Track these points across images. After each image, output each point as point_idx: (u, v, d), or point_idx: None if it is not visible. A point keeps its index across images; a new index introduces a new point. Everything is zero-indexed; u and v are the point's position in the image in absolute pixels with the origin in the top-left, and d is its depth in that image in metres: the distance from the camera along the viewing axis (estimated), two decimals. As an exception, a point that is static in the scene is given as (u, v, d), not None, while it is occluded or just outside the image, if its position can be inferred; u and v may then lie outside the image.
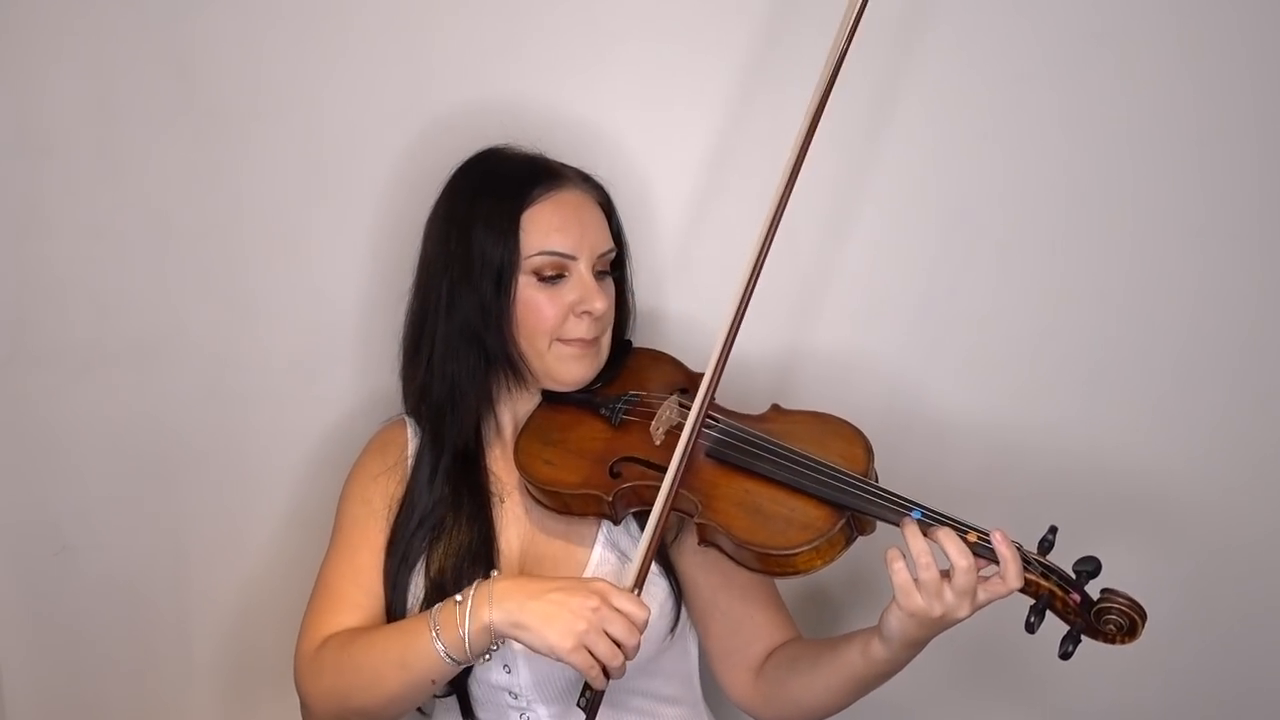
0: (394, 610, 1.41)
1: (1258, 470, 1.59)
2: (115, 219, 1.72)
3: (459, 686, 1.40)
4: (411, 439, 1.48)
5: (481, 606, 1.23)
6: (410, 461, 1.47)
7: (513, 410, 1.45)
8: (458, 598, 1.25)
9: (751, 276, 1.29)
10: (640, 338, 1.54)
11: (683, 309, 1.65)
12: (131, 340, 1.75)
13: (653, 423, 1.35)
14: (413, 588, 1.40)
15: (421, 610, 1.37)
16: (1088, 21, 1.51)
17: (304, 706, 1.38)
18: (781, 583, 1.45)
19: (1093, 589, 1.15)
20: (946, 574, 1.16)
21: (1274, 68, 1.50)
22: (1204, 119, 1.52)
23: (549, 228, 1.36)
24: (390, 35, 1.64)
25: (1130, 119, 1.53)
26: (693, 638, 1.50)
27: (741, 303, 1.29)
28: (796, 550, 1.20)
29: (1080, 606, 1.14)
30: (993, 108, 1.55)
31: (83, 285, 1.74)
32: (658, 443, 1.34)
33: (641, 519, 1.38)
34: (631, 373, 1.48)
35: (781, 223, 1.29)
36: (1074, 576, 1.15)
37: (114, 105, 1.68)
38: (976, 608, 1.17)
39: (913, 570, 1.16)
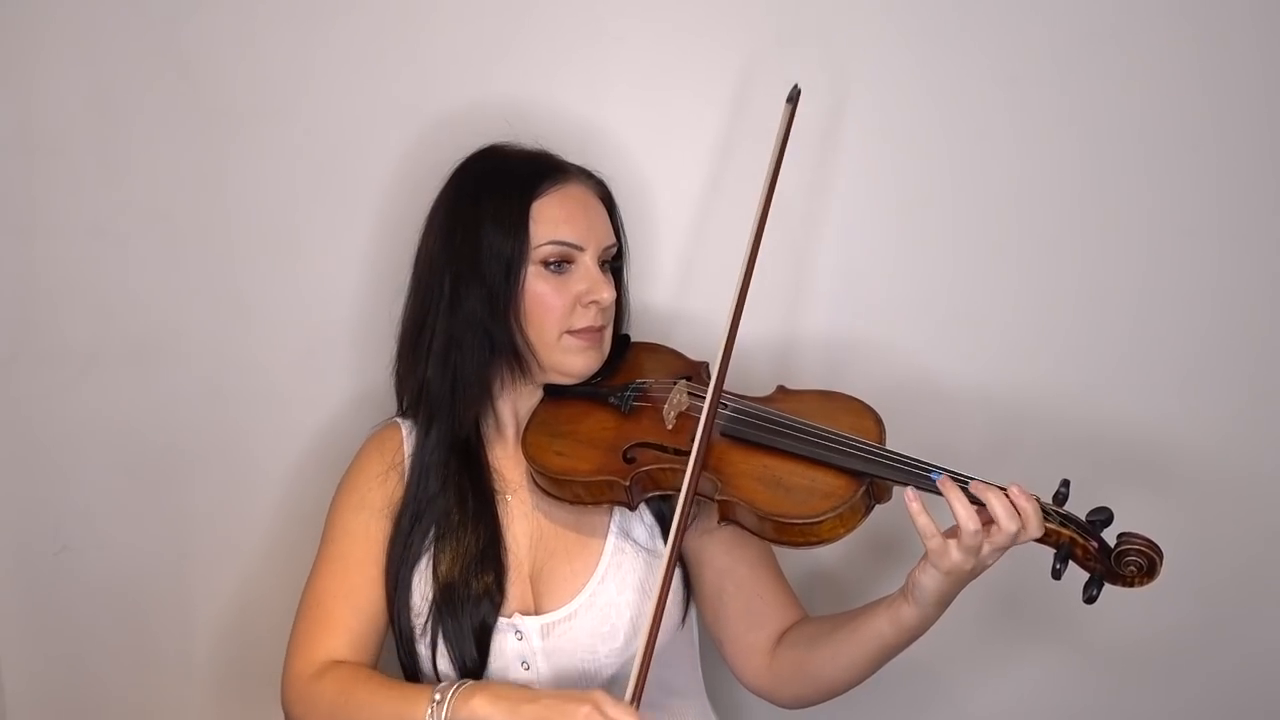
0: (398, 610, 1.41)
1: (1251, 447, 1.64)
2: (115, 219, 1.72)
3: None
4: (407, 439, 1.47)
5: (465, 708, 1.24)
6: (408, 461, 1.46)
7: (514, 406, 1.46)
8: (435, 696, 1.26)
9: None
10: (638, 333, 1.56)
11: (682, 304, 1.67)
12: (131, 340, 1.75)
13: (664, 407, 1.37)
14: (418, 586, 1.40)
15: (430, 612, 1.39)
16: (1095, 19, 1.55)
17: None
18: (786, 561, 1.47)
19: (1108, 536, 1.19)
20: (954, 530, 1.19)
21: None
22: (1210, 115, 1.55)
23: (557, 219, 1.38)
24: (389, 35, 1.65)
25: (1136, 115, 1.56)
26: (695, 627, 1.52)
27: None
28: (821, 518, 1.22)
29: (1099, 552, 1.18)
30: (998, 101, 1.58)
31: (83, 285, 1.74)
32: (670, 427, 1.35)
33: (654, 504, 1.41)
34: (631, 365, 1.49)
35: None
36: (1090, 524, 1.19)
37: (114, 105, 1.69)
38: (1001, 555, 1.20)
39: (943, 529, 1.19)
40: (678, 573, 1.42)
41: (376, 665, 1.42)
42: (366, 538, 1.43)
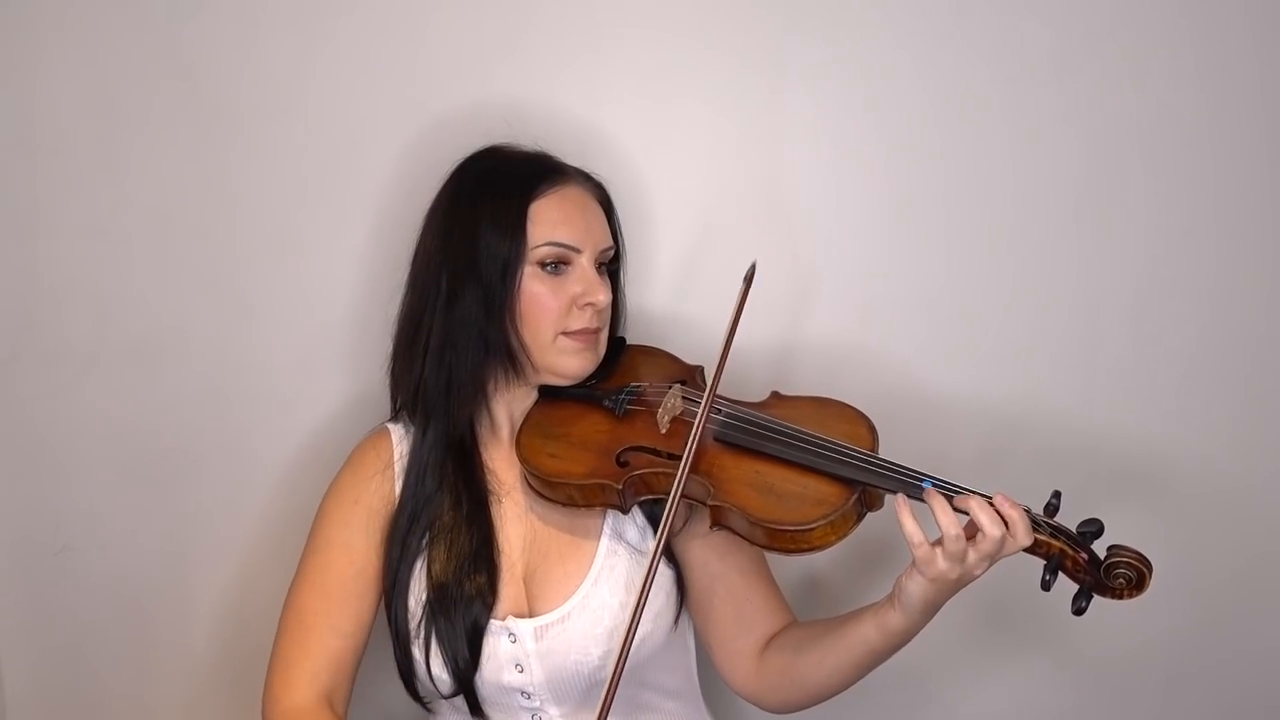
0: (395, 612, 1.41)
1: (1248, 454, 1.63)
2: (116, 219, 1.72)
3: (464, 685, 1.40)
4: (398, 443, 1.48)
5: None
6: (400, 463, 1.46)
7: (509, 407, 1.46)
8: None
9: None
10: (634, 335, 1.56)
11: (678, 308, 1.67)
12: (133, 340, 1.75)
13: (659, 412, 1.36)
14: (414, 589, 1.41)
15: (423, 612, 1.39)
16: (1092, 19, 1.54)
17: None
18: (778, 566, 1.46)
19: (1098, 548, 1.19)
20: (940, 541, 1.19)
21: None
22: (1208, 115, 1.54)
23: (555, 220, 1.38)
24: (389, 35, 1.65)
25: (1133, 115, 1.56)
26: (691, 629, 1.52)
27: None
28: (812, 525, 1.22)
29: (1089, 564, 1.18)
30: (994, 103, 1.57)
31: (84, 285, 1.74)
32: (663, 431, 1.35)
33: (647, 507, 1.41)
34: (627, 368, 1.49)
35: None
36: (1080, 536, 1.19)
37: (115, 105, 1.69)
38: (990, 566, 1.20)
39: (930, 538, 1.19)
40: (670, 574, 1.42)
41: (354, 678, 1.44)
42: (350, 551, 1.44)
